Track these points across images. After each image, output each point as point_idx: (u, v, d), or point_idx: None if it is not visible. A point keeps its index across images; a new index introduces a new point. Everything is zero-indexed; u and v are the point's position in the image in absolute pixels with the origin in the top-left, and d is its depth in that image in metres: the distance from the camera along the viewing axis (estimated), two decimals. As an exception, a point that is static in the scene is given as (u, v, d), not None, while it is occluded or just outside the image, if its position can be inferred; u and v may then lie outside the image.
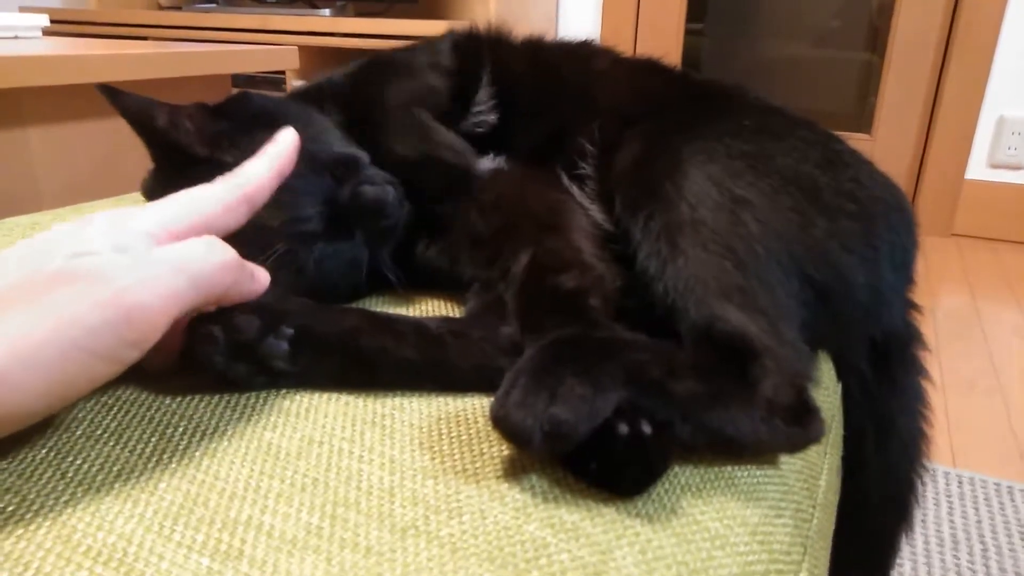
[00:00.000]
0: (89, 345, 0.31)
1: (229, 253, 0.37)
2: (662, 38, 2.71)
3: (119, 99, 0.54)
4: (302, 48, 1.59)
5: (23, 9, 2.51)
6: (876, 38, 2.66)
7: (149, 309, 0.33)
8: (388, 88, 0.61)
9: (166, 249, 0.35)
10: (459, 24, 0.72)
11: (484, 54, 0.66)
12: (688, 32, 2.75)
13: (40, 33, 1.42)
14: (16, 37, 1.36)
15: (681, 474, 0.39)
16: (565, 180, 0.59)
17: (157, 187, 0.57)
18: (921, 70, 2.44)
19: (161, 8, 2.72)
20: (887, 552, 0.68)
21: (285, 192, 0.53)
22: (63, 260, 0.32)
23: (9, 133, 1.00)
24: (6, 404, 0.30)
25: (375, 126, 0.58)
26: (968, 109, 2.37)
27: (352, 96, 0.62)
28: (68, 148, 1.06)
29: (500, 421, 0.35)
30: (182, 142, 0.54)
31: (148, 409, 0.41)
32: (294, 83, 2.29)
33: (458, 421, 0.41)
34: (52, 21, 1.46)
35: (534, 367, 0.37)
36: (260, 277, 0.42)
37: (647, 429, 0.36)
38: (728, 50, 2.95)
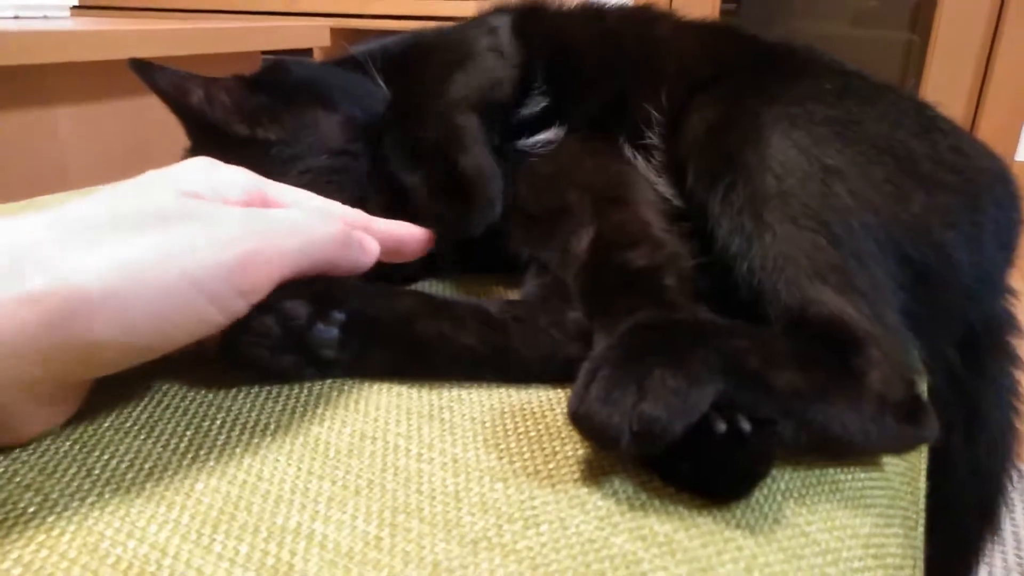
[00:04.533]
0: (200, 279, 0.30)
1: (338, 227, 0.37)
2: (697, 15, 2.63)
3: (150, 74, 0.50)
4: (331, 30, 1.55)
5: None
6: (918, 17, 2.56)
7: (264, 261, 0.33)
8: (448, 76, 0.54)
9: (281, 211, 0.36)
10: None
11: (542, 29, 0.60)
12: (723, 12, 2.67)
13: (68, 13, 1.40)
14: (45, 17, 1.34)
15: (779, 478, 0.35)
16: (628, 151, 0.54)
17: None
18: (969, 50, 2.34)
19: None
20: (971, 557, 0.63)
21: (334, 172, 0.49)
22: (174, 197, 0.32)
23: (36, 112, 0.98)
24: (114, 325, 0.29)
25: (421, 114, 0.52)
26: (1019, 90, 2.27)
27: (404, 74, 0.56)
28: (96, 127, 1.03)
29: (581, 419, 0.31)
30: (219, 120, 0.50)
31: (182, 400, 0.38)
32: (321, 66, 2.25)
33: (524, 415, 0.37)
34: (79, 4, 1.43)
35: (617, 356, 0.32)
36: (369, 247, 0.40)
37: (747, 427, 0.32)
38: (764, 29, 2.86)
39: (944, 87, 2.40)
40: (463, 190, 0.47)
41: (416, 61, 0.58)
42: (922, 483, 0.44)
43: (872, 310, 0.39)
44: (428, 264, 0.53)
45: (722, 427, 0.31)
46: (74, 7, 1.41)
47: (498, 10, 0.64)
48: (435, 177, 0.48)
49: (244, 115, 0.50)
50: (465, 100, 0.52)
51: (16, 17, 1.28)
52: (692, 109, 0.51)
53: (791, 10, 2.87)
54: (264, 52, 1.25)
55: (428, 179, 0.48)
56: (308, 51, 2.19)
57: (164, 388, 0.39)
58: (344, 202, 0.47)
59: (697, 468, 0.32)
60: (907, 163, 0.46)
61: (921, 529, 0.41)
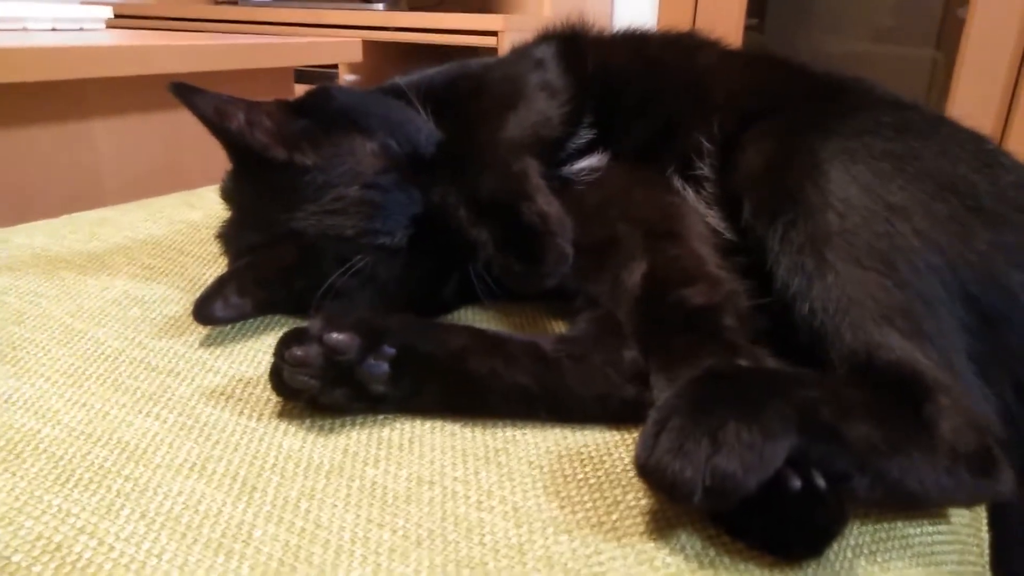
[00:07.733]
0: None
1: None
2: (720, 34, 2.61)
3: (192, 98, 0.49)
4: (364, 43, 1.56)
5: (84, 1, 2.54)
6: (943, 34, 2.53)
7: None
8: (501, 120, 0.53)
9: None
10: (551, 23, 0.65)
11: (588, 59, 0.59)
12: (747, 28, 2.65)
13: (104, 25, 1.41)
14: (81, 29, 1.35)
15: (848, 533, 0.33)
16: (677, 182, 0.53)
17: (236, 190, 0.52)
18: (998, 68, 2.31)
19: (217, 3, 2.72)
20: None
21: (365, 204, 0.48)
22: None
23: (73, 126, 0.98)
24: None
25: (477, 162, 0.50)
26: (1051, 109, 2.23)
27: (452, 113, 0.54)
28: (131, 141, 1.04)
29: (651, 471, 0.30)
30: (257, 145, 0.49)
31: (231, 435, 0.37)
32: (346, 77, 2.26)
33: (582, 460, 0.36)
34: (114, 16, 1.44)
35: (687, 406, 0.31)
36: None
37: (822, 483, 0.31)
38: (787, 46, 2.84)
39: (971, 106, 2.36)
40: (532, 243, 0.45)
41: (464, 99, 0.56)
42: (985, 534, 0.43)
43: (940, 356, 0.38)
44: (466, 292, 0.52)
45: (797, 484, 0.30)
46: (109, 19, 1.42)
47: (542, 38, 0.63)
48: (501, 231, 0.46)
49: (284, 139, 0.50)
50: (520, 144, 0.51)
51: (53, 29, 1.29)
52: (746, 141, 0.50)
53: (814, 26, 2.84)
54: (297, 67, 1.25)
55: (494, 234, 0.46)
56: (333, 68, 2.20)
57: (212, 421, 0.38)
58: (368, 234, 0.46)
59: (770, 525, 0.30)
60: (970, 199, 0.45)
61: (988, 584, 0.39)
